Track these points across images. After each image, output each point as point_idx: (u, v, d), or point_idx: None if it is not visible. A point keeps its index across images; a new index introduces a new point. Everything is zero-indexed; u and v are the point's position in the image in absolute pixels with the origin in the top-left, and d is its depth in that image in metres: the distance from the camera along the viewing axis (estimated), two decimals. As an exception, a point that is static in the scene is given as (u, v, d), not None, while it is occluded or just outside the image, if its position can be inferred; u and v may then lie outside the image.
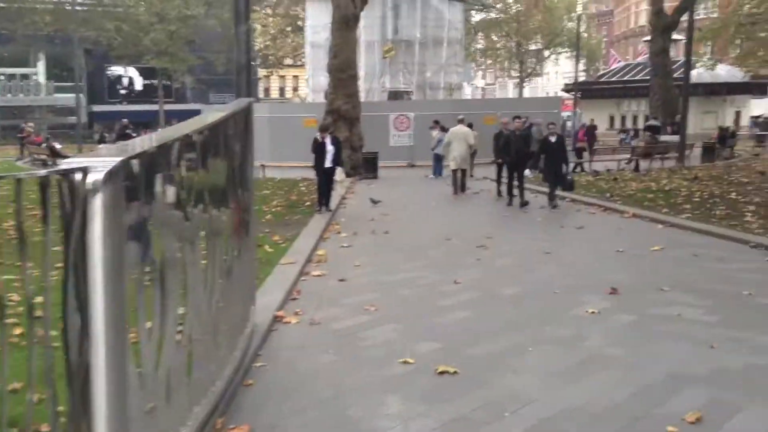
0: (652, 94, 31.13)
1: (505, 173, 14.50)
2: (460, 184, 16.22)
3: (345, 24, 20.69)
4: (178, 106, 49.20)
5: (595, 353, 4.95)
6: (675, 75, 31.37)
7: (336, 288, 7.25)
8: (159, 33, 43.97)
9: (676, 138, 24.75)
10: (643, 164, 21.71)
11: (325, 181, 12.87)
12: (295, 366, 4.86)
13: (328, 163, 12.64)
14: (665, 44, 30.84)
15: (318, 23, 29.25)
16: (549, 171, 13.42)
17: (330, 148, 12.67)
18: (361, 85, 29.15)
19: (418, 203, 14.99)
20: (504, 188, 14.48)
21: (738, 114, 42.84)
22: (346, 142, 21.17)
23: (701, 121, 39.71)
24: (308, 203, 13.85)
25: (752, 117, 44.98)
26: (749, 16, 39.89)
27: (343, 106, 20.92)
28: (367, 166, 21.16)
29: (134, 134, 25.16)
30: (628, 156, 22.33)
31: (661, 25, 30.46)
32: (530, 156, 14.38)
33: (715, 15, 42.36)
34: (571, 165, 17.88)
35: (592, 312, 5.96)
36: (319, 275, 7.83)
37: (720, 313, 5.89)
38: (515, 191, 13.76)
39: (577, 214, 12.58)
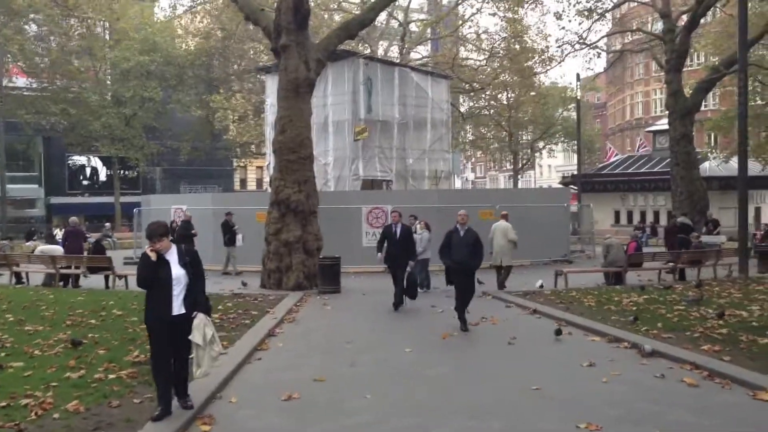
0: (675, 186, 26.31)
1: None
2: (500, 282, 15.10)
3: (295, 91, 15.84)
4: (143, 198, 44.87)
5: None
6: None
7: None
8: (112, 117, 39.68)
9: (717, 239, 19.90)
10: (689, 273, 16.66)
11: (169, 347, 5.90)
12: None
13: (176, 309, 5.79)
14: (686, 130, 26.26)
15: (279, 101, 24.63)
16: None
17: (179, 275, 5.81)
18: (330, 171, 24.41)
19: (381, 348, 9.47)
20: None
21: (758, 210, 38.25)
22: (298, 244, 16.04)
23: (719, 219, 35.25)
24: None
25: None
26: (764, 105, 36.33)
27: (293, 197, 15.75)
28: (324, 276, 15.78)
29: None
30: (666, 262, 17.14)
31: (680, 109, 26.06)
32: None
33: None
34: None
35: None
36: None
37: None
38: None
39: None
